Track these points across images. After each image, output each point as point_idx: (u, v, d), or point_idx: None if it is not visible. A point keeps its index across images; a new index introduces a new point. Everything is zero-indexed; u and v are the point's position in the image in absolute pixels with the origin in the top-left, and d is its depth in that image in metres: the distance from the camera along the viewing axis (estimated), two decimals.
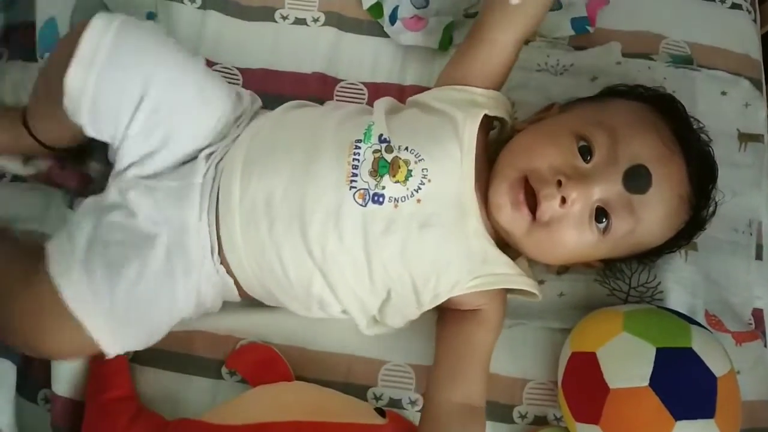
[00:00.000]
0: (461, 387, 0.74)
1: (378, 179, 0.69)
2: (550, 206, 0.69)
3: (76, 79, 0.65)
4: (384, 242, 0.69)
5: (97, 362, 0.75)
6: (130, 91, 0.66)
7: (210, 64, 0.88)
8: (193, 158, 0.73)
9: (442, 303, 0.74)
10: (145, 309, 0.68)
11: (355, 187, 0.69)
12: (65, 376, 0.75)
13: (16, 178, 0.82)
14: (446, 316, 0.78)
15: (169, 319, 0.72)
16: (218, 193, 0.71)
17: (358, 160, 0.70)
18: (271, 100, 0.82)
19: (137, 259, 0.67)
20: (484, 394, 0.76)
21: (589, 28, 0.93)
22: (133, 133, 0.68)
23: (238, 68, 0.89)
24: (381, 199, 0.69)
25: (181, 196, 0.70)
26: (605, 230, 0.71)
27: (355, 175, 0.70)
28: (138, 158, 0.71)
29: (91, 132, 0.69)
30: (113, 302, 0.65)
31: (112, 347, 0.67)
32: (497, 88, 0.79)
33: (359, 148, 0.71)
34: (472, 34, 0.79)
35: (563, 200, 0.68)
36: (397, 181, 0.70)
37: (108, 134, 0.70)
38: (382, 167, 0.70)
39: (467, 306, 0.75)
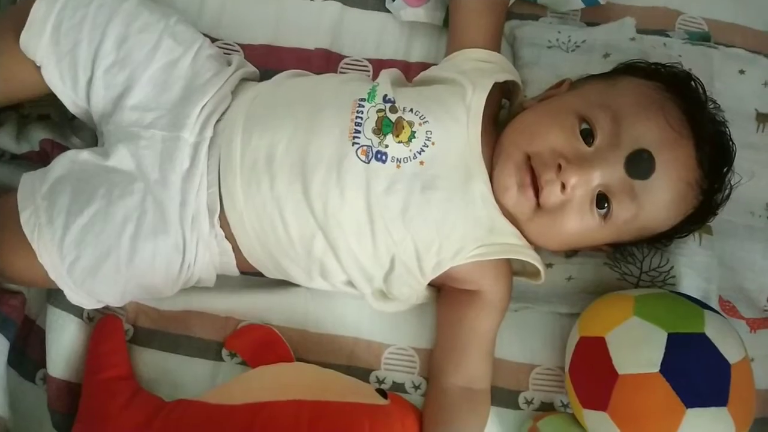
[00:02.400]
0: (464, 371, 0.74)
1: (381, 137, 0.69)
2: (551, 192, 0.68)
3: (42, 8, 0.69)
4: (386, 201, 0.68)
5: (94, 342, 0.75)
6: (93, 19, 0.69)
7: (211, 40, 0.86)
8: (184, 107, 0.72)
9: (444, 280, 0.73)
10: (102, 252, 0.67)
11: (358, 143, 0.69)
12: (61, 358, 0.74)
13: (14, 157, 0.81)
14: (448, 298, 0.77)
15: (137, 274, 0.69)
16: (219, 152, 0.70)
17: (362, 117, 0.70)
18: (273, 77, 0.80)
19: (103, 199, 0.67)
20: (488, 378, 0.75)
21: (600, 0, 0.90)
22: (102, 67, 0.70)
23: (239, 44, 0.88)
24: (384, 158, 0.69)
25: (165, 149, 0.70)
26: (606, 216, 0.69)
27: (358, 131, 0.69)
28: (111, 100, 0.71)
29: (50, 72, 0.70)
30: (66, 233, 0.65)
31: (65, 282, 0.67)
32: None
33: (363, 106, 0.70)
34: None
35: (563, 186, 0.67)
36: (400, 142, 0.69)
37: (69, 73, 0.70)
38: (386, 126, 0.69)
39: (469, 284, 0.74)
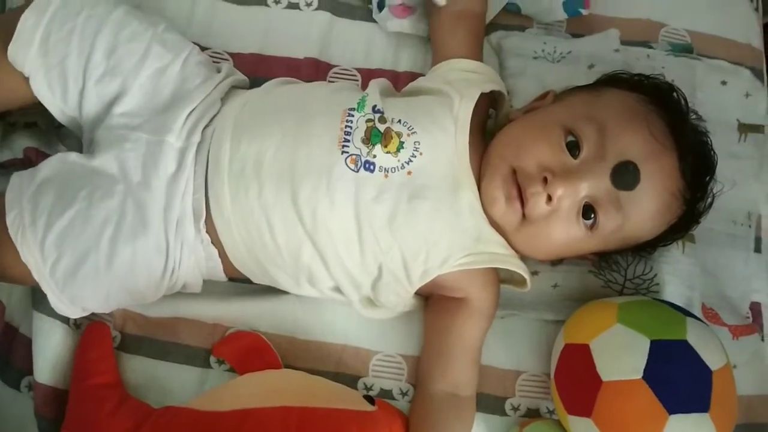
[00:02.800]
0: (451, 377, 0.75)
1: (370, 147, 0.69)
2: (536, 204, 0.69)
3: (30, 19, 0.69)
4: (374, 210, 0.69)
5: (82, 348, 0.74)
6: (81, 31, 0.70)
7: (200, 48, 0.86)
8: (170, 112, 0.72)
9: (432, 288, 0.73)
10: (81, 253, 0.67)
11: (347, 152, 0.69)
12: (48, 364, 0.74)
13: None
14: (435, 306, 0.77)
15: (117, 277, 0.69)
16: (207, 158, 0.71)
17: (351, 127, 0.70)
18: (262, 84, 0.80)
19: (84, 201, 0.67)
20: (474, 384, 0.76)
21: (582, 10, 0.91)
22: (93, 78, 0.70)
23: (229, 53, 0.88)
24: (372, 167, 0.69)
25: (150, 152, 0.70)
26: (592, 226, 0.70)
27: (347, 141, 0.69)
28: (102, 108, 0.71)
29: (38, 83, 0.71)
30: (47, 234, 0.66)
31: (48, 284, 0.67)
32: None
33: (352, 116, 0.71)
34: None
35: (549, 198, 0.68)
36: (388, 152, 0.70)
37: (58, 85, 0.71)
38: (375, 136, 0.70)
39: (457, 292, 0.75)
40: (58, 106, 0.73)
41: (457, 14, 0.82)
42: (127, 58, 0.72)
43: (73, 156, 0.70)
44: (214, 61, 0.85)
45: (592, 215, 0.70)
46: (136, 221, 0.68)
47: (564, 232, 0.70)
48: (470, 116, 0.72)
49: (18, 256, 0.67)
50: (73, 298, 0.69)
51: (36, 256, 0.66)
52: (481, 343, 0.77)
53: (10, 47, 0.70)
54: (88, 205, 0.67)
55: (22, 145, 0.80)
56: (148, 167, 0.70)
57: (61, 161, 0.70)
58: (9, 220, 0.67)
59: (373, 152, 0.69)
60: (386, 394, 0.79)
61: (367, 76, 0.88)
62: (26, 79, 0.71)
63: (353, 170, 0.69)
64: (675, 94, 0.76)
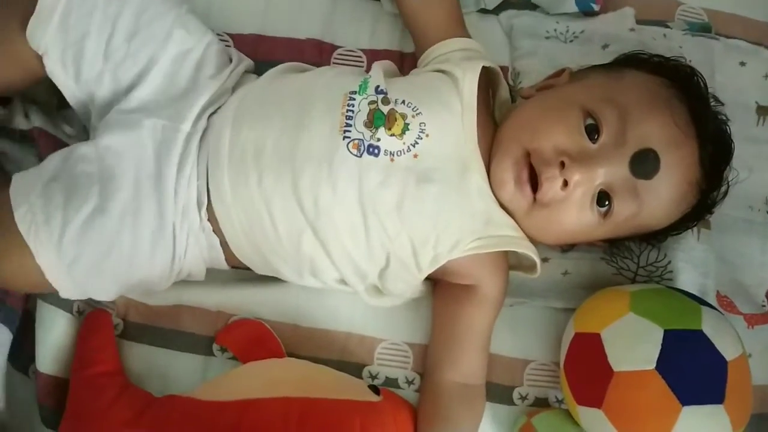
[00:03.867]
0: (460, 366, 0.73)
1: (373, 131, 0.67)
2: (551, 188, 0.66)
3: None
4: (380, 195, 0.67)
5: (82, 336, 0.74)
6: (103, 11, 0.68)
7: None
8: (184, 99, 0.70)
9: (441, 274, 0.72)
10: (103, 249, 0.65)
11: (349, 137, 0.67)
12: (50, 353, 0.73)
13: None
14: (443, 293, 0.76)
15: (136, 268, 0.68)
16: (209, 145, 0.69)
17: (353, 110, 0.68)
18: (263, 67, 0.78)
19: (100, 195, 0.65)
20: (483, 373, 0.75)
21: (594, 5, 0.88)
22: (113, 61, 0.68)
23: (228, 33, 0.86)
24: (376, 151, 0.67)
25: (164, 139, 0.68)
26: (606, 214, 0.68)
27: (349, 125, 0.67)
28: (120, 91, 0.70)
29: (53, 62, 0.68)
30: (64, 232, 0.64)
31: (63, 283, 0.66)
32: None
33: (354, 99, 0.69)
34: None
35: (565, 183, 0.66)
36: (392, 135, 0.67)
37: (73, 64, 0.69)
38: (378, 119, 0.68)
39: (466, 278, 0.73)
40: (70, 88, 0.71)
41: None
42: (149, 42, 0.69)
43: (78, 149, 0.68)
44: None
45: (607, 202, 0.68)
46: (153, 211, 0.67)
47: (576, 218, 0.68)
48: (476, 94, 0.70)
49: (23, 258, 0.64)
50: (86, 290, 0.68)
51: (51, 255, 0.64)
52: (491, 331, 0.75)
53: (30, 21, 0.67)
54: (103, 199, 0.65)
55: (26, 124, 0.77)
56: (161, 154, 0.68)
57: (65, 157, 0.68)
58: (18, 216, 0.64)
59: (377, 135, 0.67)
60: (392, 382, 0.78)
61: (373, 57, 0.85)
62: (40, 58, 0.69)
63: (356, 155, 0.67)
64: (696, 78, 0.73)
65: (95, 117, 0.72)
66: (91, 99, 0.71)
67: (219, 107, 0.72)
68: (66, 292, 0.67)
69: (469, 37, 0.79)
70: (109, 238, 0.65)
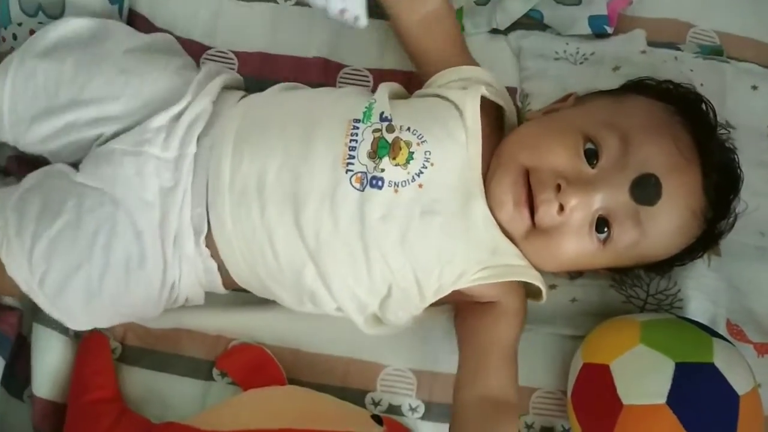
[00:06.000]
0: (488, 382, 0.69)
1: (377, 161, 0.65)
2: (547, 212, 0.65)
3: None
4: (383, 230, 0.65)
5: (80, 360, 0.72)
6: (44, 85, 0.68)
7: (203, 48, 0.85)
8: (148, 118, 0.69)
9: (455, 297, 0.70)
10: (74, 264, 0.64)
11: (352, 170, 0.65)
12: (46, 377, 0.72)
13: None
14: (464, 312, 0.74)
15: (110, 289, 0.66)
16: (207, 172, 0.68)
17: (356, 140, 0.66)
18: (268, 86, 0.76)
19: (73, 210, 0.64)
20: (514, 389, 0.70)
21: (607, 28, 0.87)
22: (75, 129, 0.69)
23: (234, 51, 0.85)
24: (380, 183, 0.65)
25: (136, 166, 0.67)
26: (605, 241, 0.66)
27: (352, 157, 0.66)
28: (87, 142, 0.70)
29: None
30: (35, 244, 0.63)
31: (38, 297, 0.65)
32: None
33: (357, 128, 0.67)
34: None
35: (561, 207, 0.64)
36: (397, 164, 0.66)
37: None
38: (382, 148, 0.66)
39: (481, 298, 0.71)
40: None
41: (426, 18, 0.76)
42: (91, 104, 0.69)
43: (59, 166, 0.68)
44: (218, 61, 0.82)
45: (606, 229, 0.66)
46: (129, 233, 0.65)
47: (574, 245, 0.66)
48: (479, 120, 0.68)
49: (3, 274, 0.64)
50: (65, 311, 0.67)
51: (23, 269, 0.64)
52: (516, 343, 0.71)
53: None
54: (77, 215, 0.64)
55: (4, 153, 0.77)
56: (135, 182, 0.67)
57: (46, 172, 0.68)
58: None
59: (381, 166, 0.66)
60: (395, 409, 0.77)
61: (379, 77, 0.84)
62: None
63: (358, 189, 0.65)
64: (704, 105, 0.72)
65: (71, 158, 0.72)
66: (65, 156, 0.71)
67: (208, 126, 0.70)
68: (46, 308, 0.66)
69: (472, 61, 0.77)
70: (77, 256, 0.64)
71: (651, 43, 0.87)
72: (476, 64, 0.77)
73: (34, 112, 0.68)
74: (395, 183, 0.65)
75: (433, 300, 0.69)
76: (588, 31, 0.87)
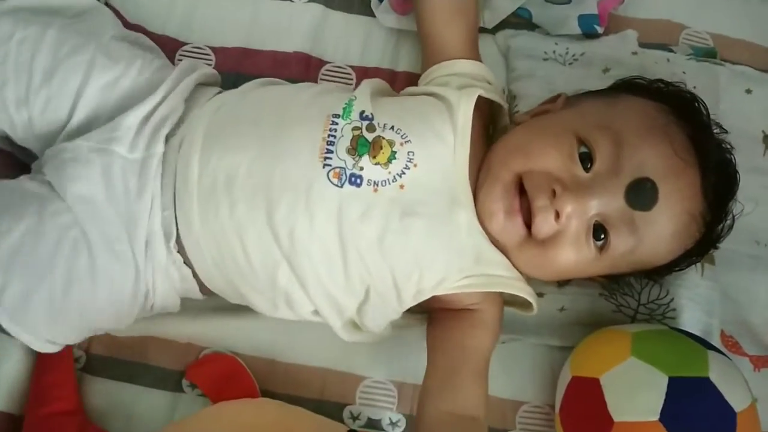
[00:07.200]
0: (456, 396, 0.66)
1: (356, 159, 0.63)
2: (545, 221, 0.62)
3: None
4: (361, 229, 0.62)
5: (39, 370, 0.68)
6: (16, 57, 0.65)
7: (179, 44, 0.82)
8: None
9: (431, 303, 0.67)
10: (35, 277, 0.60)
11: (330, 165, 0.62)
12: (2, 388, 0.68)
13: None
14: (437, 319, 0.71)
15: (75, 302, 0.62)
16: (175, 171, 0.65)
17: (335, 135, 0.64)
18: (247, 82, 0.74)
19: (33, 216, 0.61)
20: (484, 404, 0.67)
21: (597, 27, 0.85)
22: (38, 106, 0.65)
23: (211, 47, 0.82)
24: (359, 181, 0.62)
25: (102, 166, 0.63)
26: (603, 248, 0.64)
27: (330, 151, 0.63)
28: (53, 131, 0.66)
29: None
30: None
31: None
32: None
33: (336, 123, 0.64)
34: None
35: (557, 214, 0.62)
36: (377, 163, 0.63)
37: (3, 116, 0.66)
38: (362, 146, 0.63)
39: (458, 305, 0.68)
40: (12, 136, 0.68)
41: (453, 8, 0.74)
42: (70, 77, 0.65)
43: (22, 177, 0.65)
44: (195, 57, 0.79)
45: (603, 236, 0.63)
46: (96, 241, 0.62)
47: (571, 254, 0.64)
48: (470, 124, 0.65)
49: None
50: (28, 327, 0.62)
51: None
52: (488, 356, 0.68)
53: None
54: (38, 222, 0.61)
55: None
56: (100, 184, 0.63)
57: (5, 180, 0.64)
58: None
59: (360, 164, 0.63)
60: (375, 423, 0.74)
61: (362, 75, 0.81)
62: None
63: (336, 185, 0.62)
64: (698, 104, 0.70)
65: (39, 152, 0.68)
66: (30, 138, 0.68)
67: (177, 126, 0.67)
68: (5, 325, 0.61)
69: (481, 61, 0.75)
70: (39, 267, 0.60)
71: (643, 44, 0.85)
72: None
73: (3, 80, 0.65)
74: (374, 182, 0.63)
75: (413, 304, 0.66)
76: (578, 30, 0.85)
